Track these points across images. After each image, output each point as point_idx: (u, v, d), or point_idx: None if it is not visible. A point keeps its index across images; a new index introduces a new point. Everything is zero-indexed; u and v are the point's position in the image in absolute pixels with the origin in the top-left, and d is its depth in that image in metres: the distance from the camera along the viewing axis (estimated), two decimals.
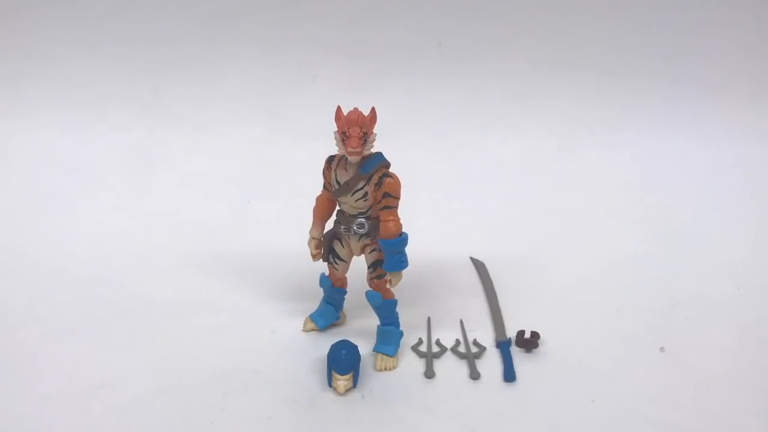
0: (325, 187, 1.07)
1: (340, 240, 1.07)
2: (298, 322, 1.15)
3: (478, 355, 1.08)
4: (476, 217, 1.59)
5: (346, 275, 1.13)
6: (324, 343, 1.05)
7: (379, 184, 0.97)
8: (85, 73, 1.73)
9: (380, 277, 1.04)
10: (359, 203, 1.00)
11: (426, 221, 1.41)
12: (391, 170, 1.00)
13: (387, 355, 1.05)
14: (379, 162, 0.99)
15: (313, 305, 1.17)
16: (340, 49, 1.72)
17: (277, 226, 1.50)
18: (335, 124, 0.97)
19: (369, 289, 1.05)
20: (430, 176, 1.67)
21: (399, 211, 0.99)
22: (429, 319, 1.19)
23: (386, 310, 1.06)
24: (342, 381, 0.96)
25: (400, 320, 1.08)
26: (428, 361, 1.06)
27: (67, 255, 1.39)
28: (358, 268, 1.10)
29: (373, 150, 0.99)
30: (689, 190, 1.68)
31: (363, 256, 1.06)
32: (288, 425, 0.92)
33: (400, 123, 1.63)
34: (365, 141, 0.95)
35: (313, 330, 1.14)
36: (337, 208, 1.06)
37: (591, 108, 1.76)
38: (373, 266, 1.04)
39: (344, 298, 1.15)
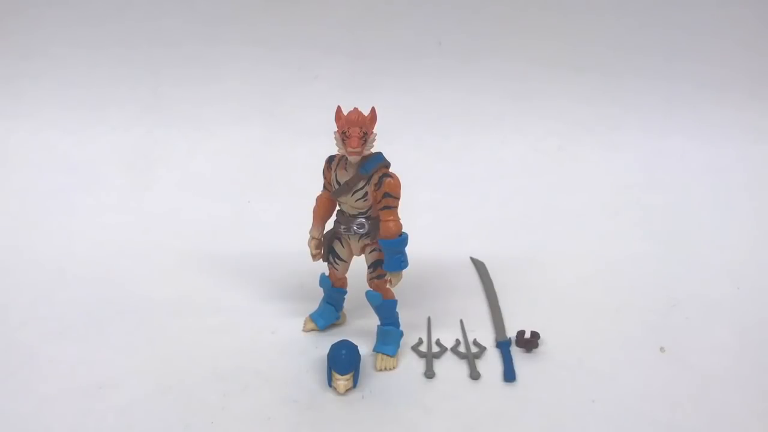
0: (325, 187, 1.07)
1: (340, 240, 1.07)
2: (298, 322, 1.15)
3: (478, 355, 1.08)
4: (476, 217, 1.59)
5: (346, 275, 1.13)
6: (324, 343, 1.05)
7: (379, 184, 0.97)
8: (85, 73, 1.73)
9: (380, 277, 1.04)
10: (359, 203, 1.00)
11: (426, 221, 1.41)
12: (391, 170, 1.00)
13: (387, 355, 1.05)
14: (379, 162, 0.99)
15: (313, 305, 1.17)
16: (340, 49, 1.72)
17: (277, 226, 1.50)
18: (335, 124, 0.97)
19: (369, 289, 1.05)
20: (430, 176, 1.67)
21: (399, 211, 0.99)
22: (429, 319, 1.19)
23: (386, 310, 1.06)
24: (342, 381, 0.96)
25: (400, 320, 1.08)
26: (428, 361, 1.06)
27: (67, 255, 1.39)
28: (358, 268, 1.10)
29: (373, 150, 0.99)
30: (689, 190, 1.68)
31: (363, 256, 1.06)
32: (288, 425, 0.92)
33: (400, 123, 1.63)
34: (365, 141, 0.95)
35: (313, 330, 1.14)
36: (337, 208, 1.06)
37: (591, 108, 1.76)
38: (373, 266, 1.04)
39: (344, 298, 1.15)
